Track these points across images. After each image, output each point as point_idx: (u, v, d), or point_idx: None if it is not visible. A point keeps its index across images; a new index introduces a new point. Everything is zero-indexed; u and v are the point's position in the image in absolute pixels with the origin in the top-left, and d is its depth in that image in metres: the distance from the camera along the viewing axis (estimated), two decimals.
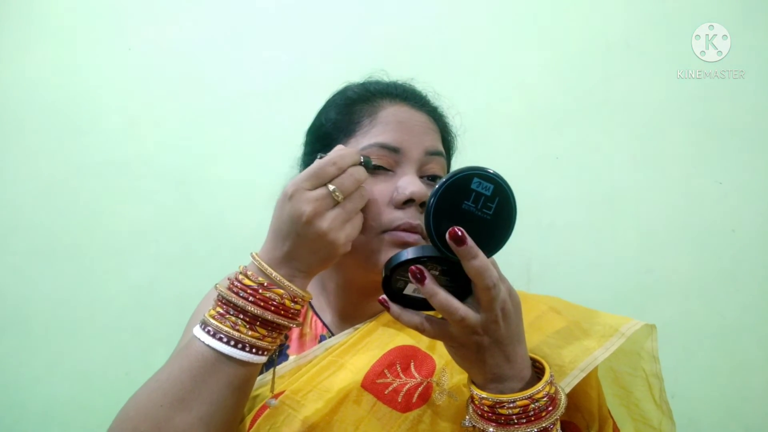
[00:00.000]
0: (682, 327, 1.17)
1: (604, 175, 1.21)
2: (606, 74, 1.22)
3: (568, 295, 0.84)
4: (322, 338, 0.80)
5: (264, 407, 0.70)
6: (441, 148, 0.78)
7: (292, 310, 0.63)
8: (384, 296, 0.60)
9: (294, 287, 0.62)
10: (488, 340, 0.56)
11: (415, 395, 0.69)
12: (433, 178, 0.76)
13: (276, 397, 0.70)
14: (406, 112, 0.76)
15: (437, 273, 0.56)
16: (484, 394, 0.58)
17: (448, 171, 0.86)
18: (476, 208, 0.55)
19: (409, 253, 0.56)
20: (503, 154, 1.22)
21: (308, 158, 0.82)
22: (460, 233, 0.53)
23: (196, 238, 1.27)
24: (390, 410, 0.67)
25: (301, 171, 0.84)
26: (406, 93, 0.80)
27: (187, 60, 1.28)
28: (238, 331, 0.60)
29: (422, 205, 0.72)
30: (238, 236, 1.24)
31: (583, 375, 0.68)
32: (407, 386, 0.69)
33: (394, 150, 0.72)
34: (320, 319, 0.82)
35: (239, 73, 1.28)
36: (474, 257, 0.53)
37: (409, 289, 0.59)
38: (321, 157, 0.63)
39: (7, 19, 1.29)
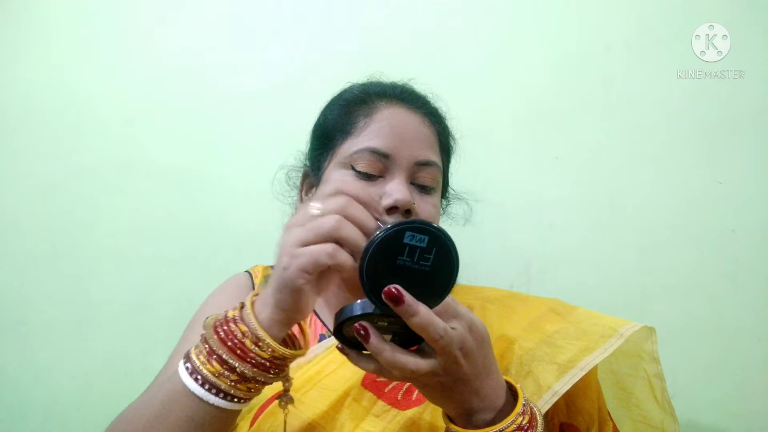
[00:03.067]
0: (681, 327, 1.17)
1: (604, 175, 1.21)
2: (606, 74, 1.22)
3: (568, 294, 0.84)
4: (321, 337, 0.80)
5: (264, 406, 0.70)
6: (433, 157, 0.78)
7: (251, 354, 0.54)
8: (340, 344, 0.57)
9: (257, 326, 0.54)
10: (451, 379, 0.55)
11: (415, 393, 0.69)
12: (423, 188, 0.76)
13: (274, 398, 0.70)
14: (401, 114, 0.76)
15: (386, 324, 0.54)
16: (453, 428, 0.58)
17: (444, 175, 0.86)
18: (412, 261, 0.52)
19: (356, 308, 0.54)
20: (503, 154, 1.22)
21: (313, 154, 0.82)
22: (395, 292, 0.50)
23: (196, 239, 1.27)
24: (390, 408, 0.68)
25: (306, 165, 0.85)
26: (403, 94, 0.80)
27: (187, 60, 1.28)
28: (199, 360, 0.55)
29: (407, 212, 0.72)
30: (238, 236, 1.24)
31: (582, 374, 0.68)
32: (407, 384, 0.69)
33: (384, 156, 0.72)
34: (320, 318, 0.83)
35: (239, 72, 1.28)
36: (414, 315, 0.50)
37: None
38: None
39: (6, 19, 1.29)
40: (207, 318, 0.58)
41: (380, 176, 0.73)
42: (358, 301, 0.54)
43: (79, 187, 1.28)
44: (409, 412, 0.67)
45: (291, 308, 0.55)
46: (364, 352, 0.56)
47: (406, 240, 0.51)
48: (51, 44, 1.29)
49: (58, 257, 1.27)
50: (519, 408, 0.57)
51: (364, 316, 0.53)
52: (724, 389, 1.16)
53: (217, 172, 1.27)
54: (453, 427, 0.58)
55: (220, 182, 1.27)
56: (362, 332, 0.52)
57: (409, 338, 0.54)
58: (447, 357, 0.53)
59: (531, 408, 0.59)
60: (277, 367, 0.56)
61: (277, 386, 0.69)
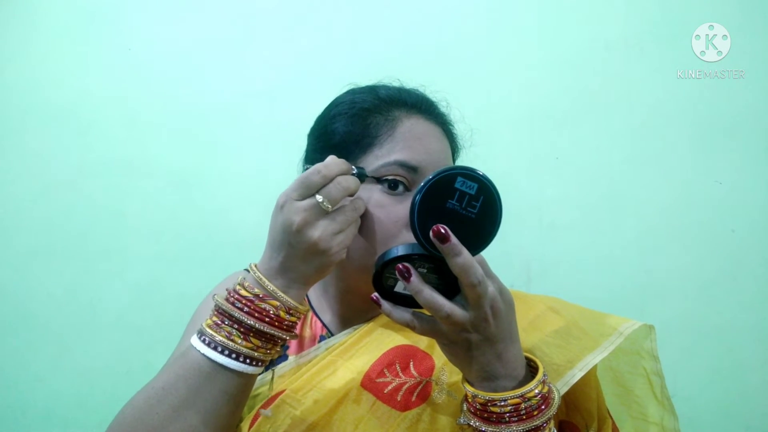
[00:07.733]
0: (681, 327, 1.17)
1: (604, 175, 1.21)
2: (606, 74, 1.22)
3: (568, 294, 0.84)
4: (321, 338, 0.80)
5: (264, 406, 0.70)
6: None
7: (287, 322, 0.62)
8: (376, 294, 0.60)
9: (289, 299, 0.61)
10: (478, 337, 0.57)
11: (414, 394, 0.69)
12: None
13: (275, 398, 0.70)
14: (422, 125, 0.75)
15: (425, 271, 0.57)
16: (476, 392, 0.58)
17: None
18: (460, 206, 0.55)
19: (398, 251, 0.57)
20: (503, 154, 1.22)
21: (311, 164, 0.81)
22: (443, 231, 0.53)
23: (197, 238, 1.27)
24: (389, 409, 0.68)
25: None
26: (422, 104, 0.78)
27: (187, 60, 1.29)
28: (232, 341, 0.60)
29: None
30: (239, 236, 1.25)
31: (582, 374, 0.68)
32: (406, 385, 0.69)
33: (412, 169, 0.71)
34: (320, 319, 0.83)
35: (240, 72, 1.28)
36: (457, 254, 0.53)
37: (400, 287, 0.60)
38: (307, 168, 0.63)
39: (7, 18, 1.29)
40: (217, 298, 0.63)
41: (407, 190, 0.72)
42: (400, 245, 0.59)
43: (79, 187, 1.28)
44: (409, 414, 0.67)
45: (318, 277, 0.63)
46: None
47: (457, 185, 0.55)
48: (51, 44, 1.29)
49: (59, 256, 1.28)
50: (540, 376, 0.59)
51: (405, 258, 0.57)
52: (724, 389, 1.17)
53: (218, 173, 1.27)
54: (473, 389, 0.59)
55: (221, 182, 1.27)
56: (405, 272, 0.56)
57: (443, 292, 0.56)
58: (478, 311, 0.55)
59: (549, 383, 0.60)
60: (296, 322, 0.65)
61: (275, 388, 0.71)
